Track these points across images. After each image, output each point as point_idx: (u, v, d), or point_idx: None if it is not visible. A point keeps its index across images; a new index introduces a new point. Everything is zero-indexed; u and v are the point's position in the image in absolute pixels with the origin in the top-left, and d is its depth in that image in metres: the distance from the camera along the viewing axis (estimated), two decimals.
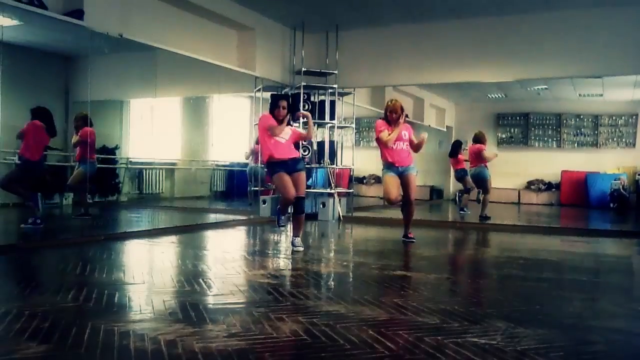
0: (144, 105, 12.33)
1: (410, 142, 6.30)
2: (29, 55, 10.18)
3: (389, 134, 6.17)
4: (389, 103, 6.35)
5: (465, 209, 10.68)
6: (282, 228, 6.24)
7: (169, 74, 10.18)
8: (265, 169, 5.77)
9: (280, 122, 5.51)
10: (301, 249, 5.59)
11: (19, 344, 2.51)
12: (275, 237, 7.00)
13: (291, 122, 5.78)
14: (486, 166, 9.49)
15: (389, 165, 6.28)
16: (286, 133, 5.60)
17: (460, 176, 10.52)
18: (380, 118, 6.46)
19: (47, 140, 6.95)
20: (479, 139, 9.63)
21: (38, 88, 9.48)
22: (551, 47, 8.29)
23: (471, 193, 10.59)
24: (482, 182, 9.54)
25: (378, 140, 6.30)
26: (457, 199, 11.90)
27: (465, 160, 10.28)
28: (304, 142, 9.10)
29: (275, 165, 5.51)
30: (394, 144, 6.20)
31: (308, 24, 9.11)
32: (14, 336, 2.62)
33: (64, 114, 10.37)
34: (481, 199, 9.64)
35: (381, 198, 15.88)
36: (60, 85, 11.04)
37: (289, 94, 9.27)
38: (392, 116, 6.23)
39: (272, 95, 5.75)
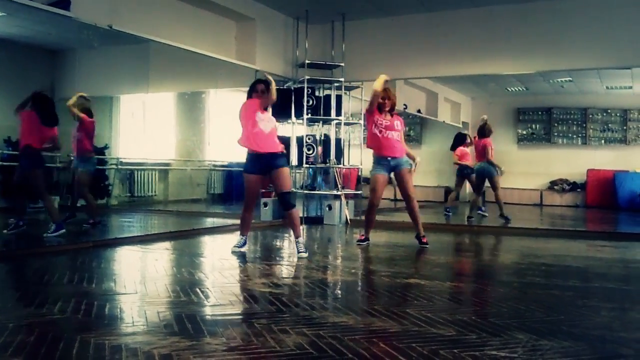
0: (136, 101, 12.38)
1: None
2: (13, 49, 10.24)
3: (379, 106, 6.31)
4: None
5: (482, 209, 10.73)
6: (235, 252, 5.90)
7: (162, 68, 10.22)
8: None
9: (264, 110, 5.54)
10: (305, 255, 5.59)
11: (3, 359, 2.52)
12: (278, 243, 7.01)
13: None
14: (491, 162, 9.52)
15: (379, 160, 6.37)
16: (269, 121, 5.58)
17: (467, 174, 10.50)
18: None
19: (46, 132, 6.65)
20: (486, 132, 9.65)
21: (22, 84, 9.51)
22: (576, 35, 8.26)
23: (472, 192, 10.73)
24: (488, 179, 9.60)
25: (368, 114, 6.40)
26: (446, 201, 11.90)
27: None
28: (308, 140, 9.12)
29: (251, 159, 5.51)
30: (386, 132, 6.26)
31: (312, 14, 9.12)
32: None
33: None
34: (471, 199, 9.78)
35: (392, 200, 15.92)
36: (46, 80, 11.08)
37: (292, 87, 9.29)
38: (383, 102, 6.36)
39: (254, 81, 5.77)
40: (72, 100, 7.47)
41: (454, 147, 10.79)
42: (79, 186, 7.60)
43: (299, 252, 5.62)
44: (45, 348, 2.67)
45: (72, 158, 7.87)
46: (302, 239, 5.70)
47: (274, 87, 5.57)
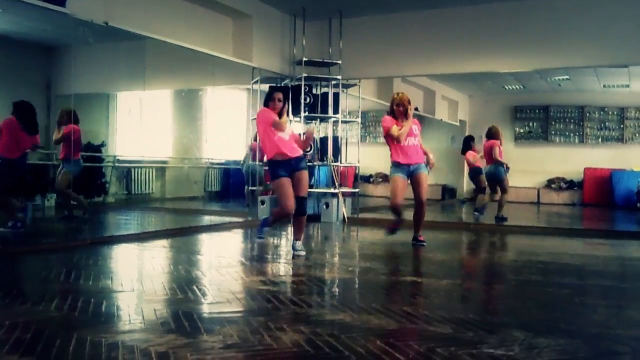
0: (132, 98, 12.35)
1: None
2: (8, 46, 10.20)
3: (400, 129, 6.18)
4: (395, 96, 6.40)
5: (481, 211, 10.67)
6: (261, 239, 6.08)
7: (159, 65, 10.19)
8: (266, 167, 5.71)
9: (279, 115, 5.51)
10: (303, 253, 5.59)
11: (0, 356, 2.52)
12: (275, 241, 7.01)
13: (289, 115, 5.75)
14: (501, 164, 9.46)
15: (398, 165, 6.27)
16: (287, 128, 5.60)
17: (475, 174, 10.47)
18: (386, 113, 6.48)
19: (26, 139, 6.75)
20: (492, 134, 9.62)
21: (18, 81, 9.51)
22: (573, 34, 8.27)
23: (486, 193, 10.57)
24: (497, 181, 9.53)
25: (388, 137, 6.30)
26: (468, 199, 11.81)
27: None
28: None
29: (278, 166, 5.46)
30: (406, 139, 6.21)
31: (309, 11, 9.11)
32: None
33: (45, 108, 10.40)
34: (497, 199, 9.63)
35: (389, 197, 15.93)
36: (42, 77, 11.06)
37: (289, 85, 9.28)
38: (399, 110, 6.26)
39: (270, 87, 5.69)
40: (55, 134, 7.77)
41: (464, 151, 10.72)
42: (58, 185, 7.78)
43: (296, 250, 5.62)
44: (42, 345, 2.67)
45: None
46: (300, 243, 5.70)
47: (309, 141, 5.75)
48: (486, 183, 10.02)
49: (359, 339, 2.86)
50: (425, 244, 6.40)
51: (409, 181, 6.34)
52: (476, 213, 10.30)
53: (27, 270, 5.06)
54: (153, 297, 3.82)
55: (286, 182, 5.43)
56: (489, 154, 9.51)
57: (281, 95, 5.56)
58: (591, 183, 14.67)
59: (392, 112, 6.32)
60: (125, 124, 12.14)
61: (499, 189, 9.61)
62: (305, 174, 5.58)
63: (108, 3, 6.55)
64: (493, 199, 9.83)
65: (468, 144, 10.65)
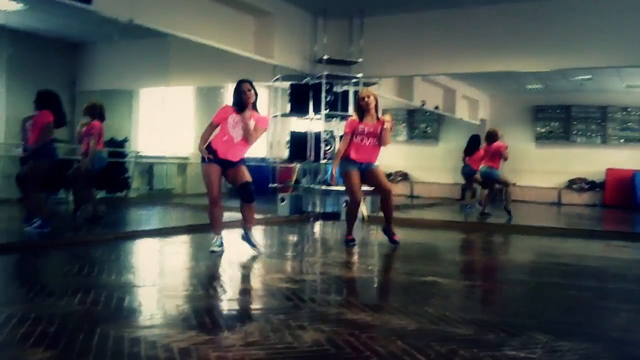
0: (155, 95, 12.44)
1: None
2: (35, 42, 10.34)
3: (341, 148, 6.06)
4: (360, 91, 6.34)
5: (470, 207, 10.91)
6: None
7: (182, 62, 10.25)
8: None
9: (244, 107, 5.36)
10: (262, 249, 5.48)
11: (25, 349, 2.54)
12: (294, 238, 7.01)
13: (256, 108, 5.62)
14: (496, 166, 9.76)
15: (349, 160, 6.02)
16: (239, 132, 5.36)
17: (472, 173, 10.58)
18: (354, 110, 6.39)
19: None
20: (496, 137, 9.76)
21: (44, 77, 9.60)
22: (596, 33, 8.14)
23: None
24: (494, 181, 9.82)
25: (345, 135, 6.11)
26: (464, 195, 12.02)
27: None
28: (325, 136, 9.10)
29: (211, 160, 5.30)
30: (368, 140, 5.99)
31: (330, 9, 9.09)
32: (19, 341, 2.66)
33: (70, 104, 10.52)
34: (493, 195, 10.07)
35: (409, 196, 15.87)
36: (67, 74, 11.19)
37: (310, 83, 9.27)
38: (364, 103, 6.02)
39: (238, 81, 5.59)
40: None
41: (472, 152, 10.73)
42: (78, 180, 7.53)
43: (251, 244, 5.44)
44: (66, 339, 2.69)
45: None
46: (252, 232, 5.53)
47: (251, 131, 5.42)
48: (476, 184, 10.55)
49: (380, 339, 2.85)
50: (398, 243, 6.24)
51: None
52: (468, 209, 10.61)
53: (51, 265, 5.12)
54: (174, 292, 3.84)
55: (214, 167, 5.27)
56: (496, 156, 9.59)
57: (249, 85, 5.44)
58: (613, 184, 14.46)
59: (358, 109, 6.15)
60: (147, 120, 12.25)
61: (495, 186, 9.96)
62: (240, 167, 5.37)
63: (133, 1, 6.59)
64: (493, 197, 10.13)
65: (477, 144, 10.63)
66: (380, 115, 6.17)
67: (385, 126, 5.92)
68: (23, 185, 6.34)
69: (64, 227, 7.12)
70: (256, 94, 5.50)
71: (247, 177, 5.36)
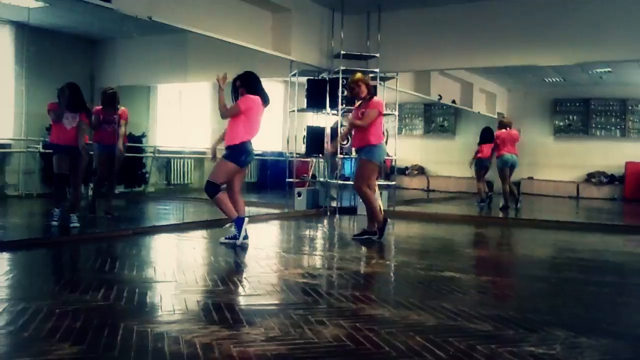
0: (173, 91, 12.52)
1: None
2: (55, 39, 10.44)
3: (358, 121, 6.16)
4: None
5: (485, 202, 10.88)
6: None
7: (200, 58, 10.29)
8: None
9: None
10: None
11: (52, 344, 2.60)
12: (312, 233, 7.04)
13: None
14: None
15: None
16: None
17: (484, 166, 10.59)
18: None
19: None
20: (509, 124, 10.05)
21: (63, 73, 9.67)
22: (617, 26, 8.04)
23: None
24: (512, 170, 10.02)
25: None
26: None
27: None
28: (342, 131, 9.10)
29: (246, 153, 5.82)
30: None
31: (348, 4, 9.08)
32: (46, 336, 2.72)
33: (89, 100, 10.61)
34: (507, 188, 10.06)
35: (425, 190, 15.82)
36: (87, 70, 11.28)
37: (327, 78, 9.28)
38: (355, 91, 6.25)
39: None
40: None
41: (485, 142, 10.72)
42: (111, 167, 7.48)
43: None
44: (92, 334, 2.75)
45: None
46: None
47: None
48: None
49: (399, 335, 2.87)
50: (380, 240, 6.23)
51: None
52: (482, 204, 10.46)
53: (74, 260, 5.20)
54: (195, 287, 3.89)
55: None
56: (513, 143, 9.85)
57: (239, 81, 5.92)
58: (633, 177, 14.29)
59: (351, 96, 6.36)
60: (165, 115, 12.32)
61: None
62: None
63: None
64: (508, 189, 10.06)
65: (490, 135, 10.59)
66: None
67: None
68: (68, 180, 6.42)
69: (85, 222, 7.21)
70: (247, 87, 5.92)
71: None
